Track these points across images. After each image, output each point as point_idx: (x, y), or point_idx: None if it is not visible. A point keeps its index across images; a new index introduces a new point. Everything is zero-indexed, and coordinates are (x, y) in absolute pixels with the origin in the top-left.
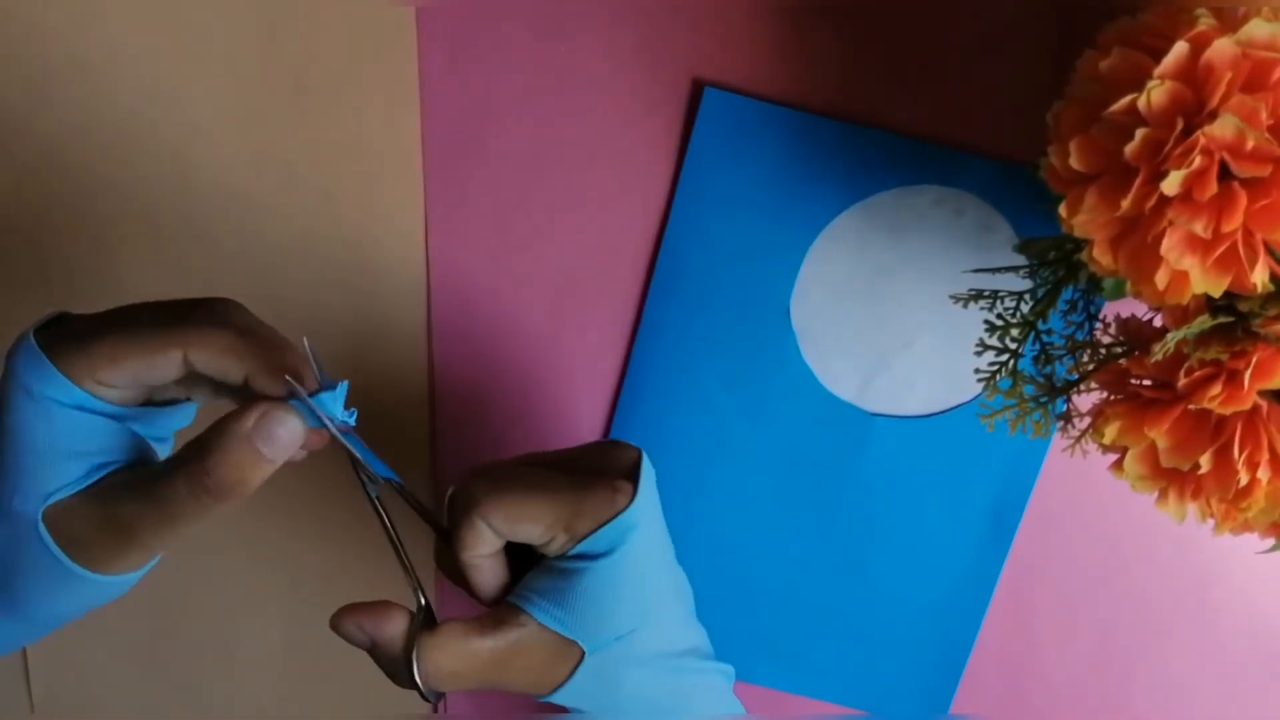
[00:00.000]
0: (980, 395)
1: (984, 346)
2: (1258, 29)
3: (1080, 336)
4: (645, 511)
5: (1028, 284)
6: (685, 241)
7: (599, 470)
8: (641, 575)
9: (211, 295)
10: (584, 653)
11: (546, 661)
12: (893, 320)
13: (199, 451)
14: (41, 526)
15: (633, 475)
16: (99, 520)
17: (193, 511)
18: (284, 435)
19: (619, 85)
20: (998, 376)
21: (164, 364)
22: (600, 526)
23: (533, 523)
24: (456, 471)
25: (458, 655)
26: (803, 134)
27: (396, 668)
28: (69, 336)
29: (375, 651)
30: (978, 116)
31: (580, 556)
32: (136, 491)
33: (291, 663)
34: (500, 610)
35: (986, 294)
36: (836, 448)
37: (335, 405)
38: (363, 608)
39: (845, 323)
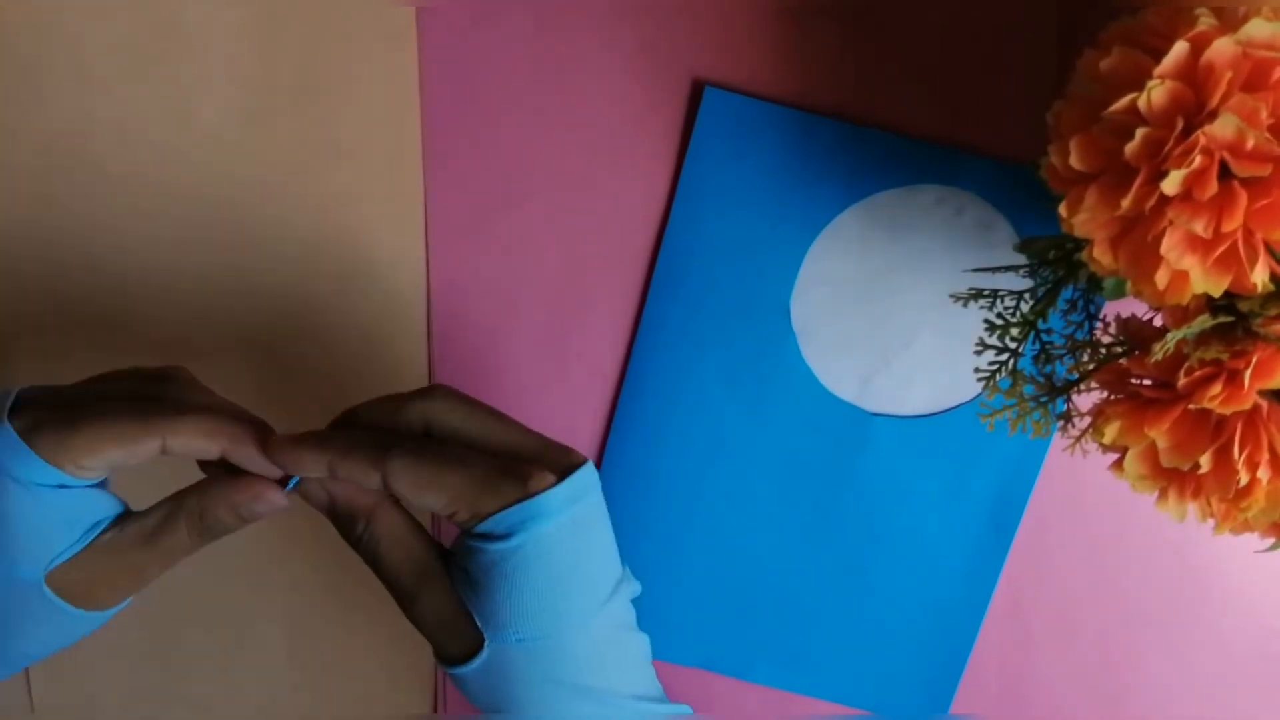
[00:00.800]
0: (980, 395)
1: (984, 346)
2: (1258, 28)
3: (1080, 336)
4: (564, 511)
5: (1028, 283)
6: (685, 241)
7: (537, 456)
8: (552, 576)
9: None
10: (485, 640)
11: (454, 628)
12: (893, 320)
13: (196, 507)
14: (46, 590)
15: (566, 472)
16: (103, 573)
17: (188, 552)
18: (263, 510)
19: (619, 85)
20: (998, 376)
21: (143, 451)
22: (505, 507)
23: (436, 492)
24: None
25: (397, 533)
26: (803, 133)
27: (349, 515)
28: (47, 424)
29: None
30: (978, 116)
31: (486, 537)
32: (139, 543)
33: (292, 664)
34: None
35: (986, 293)
36: (836, 447)
37: None
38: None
39: (845, 322)
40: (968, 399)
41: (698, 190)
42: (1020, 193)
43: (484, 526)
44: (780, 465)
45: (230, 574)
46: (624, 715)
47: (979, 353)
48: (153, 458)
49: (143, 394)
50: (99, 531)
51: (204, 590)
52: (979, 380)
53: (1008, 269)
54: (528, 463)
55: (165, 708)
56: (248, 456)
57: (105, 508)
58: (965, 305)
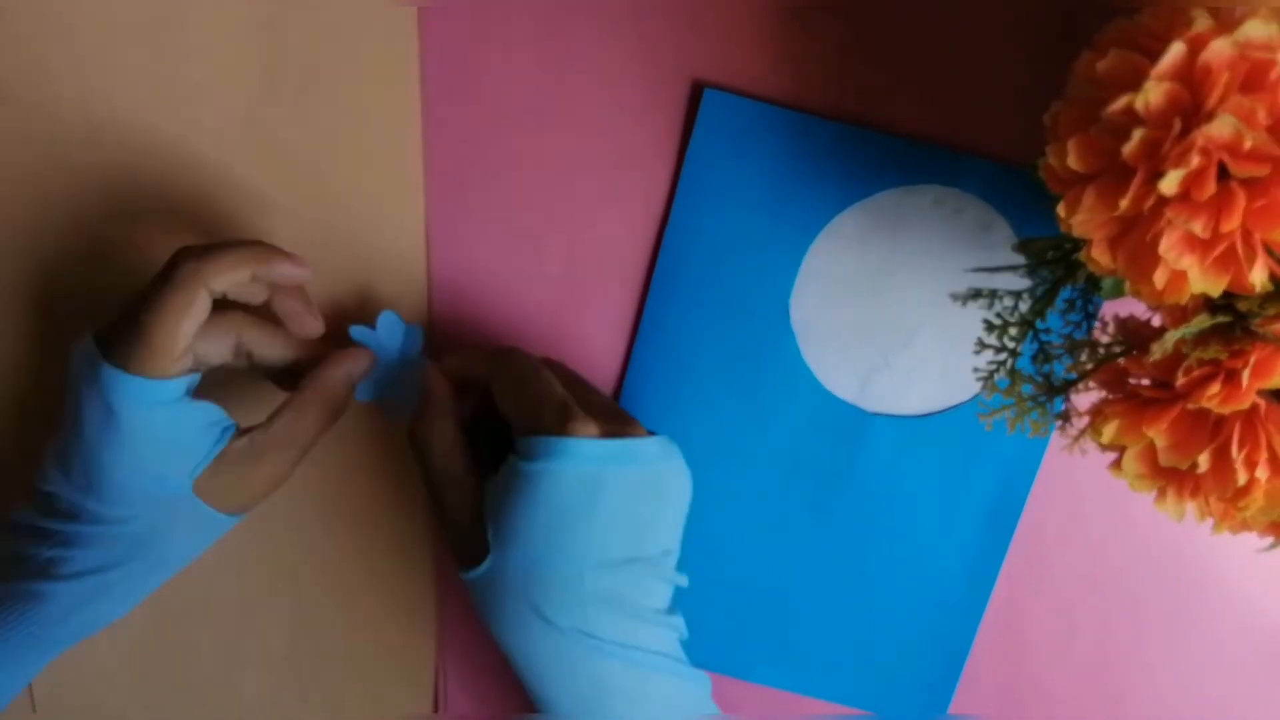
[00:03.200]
0: (979, 395)
1: (982, 345)
2: (1255, 29)
3: (1078, 335)
4: (588, 462)
5: (1026, 283)
6: (685, 241)
7: (605, 416)
8: (556, 512)
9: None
10: (488, 548)
11: (468, 524)
12: (892, 319)
13: (316, 388)
14: (196, 499)
15: (617, 433)
16: (242, 474)
17: (315, 434)
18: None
19: (619, 85)
20: (996, 375)
21: (200, 311)
22: (545, 433)
23: (512, 399)
24: None
25: (445, 440)
26: (802, 134)
27: (421, 406)
28: (131, 351)
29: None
30: (977, 116)
31: (522, 455)
32: (280, 441)
33: (292, 663)
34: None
35: (985, 293)
36: (836, 447)
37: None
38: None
39: (844, 322)
40: (967, 399)
41: (697, 191)
42: (1019, 193)
43: (522, 444)
44: (779, 465)
45: (232, 575)
46: (580, 646)
47: (978, 352)
48: (207, 313)
49: (175, 274)
50: (229, 437)
51: (205, 590)
52: (978, 380)
53: (1007, 269)
54: (586, 412)
55: (166, 707)
56: (278, 271)
57: (214, 419)
58: (964, 305)
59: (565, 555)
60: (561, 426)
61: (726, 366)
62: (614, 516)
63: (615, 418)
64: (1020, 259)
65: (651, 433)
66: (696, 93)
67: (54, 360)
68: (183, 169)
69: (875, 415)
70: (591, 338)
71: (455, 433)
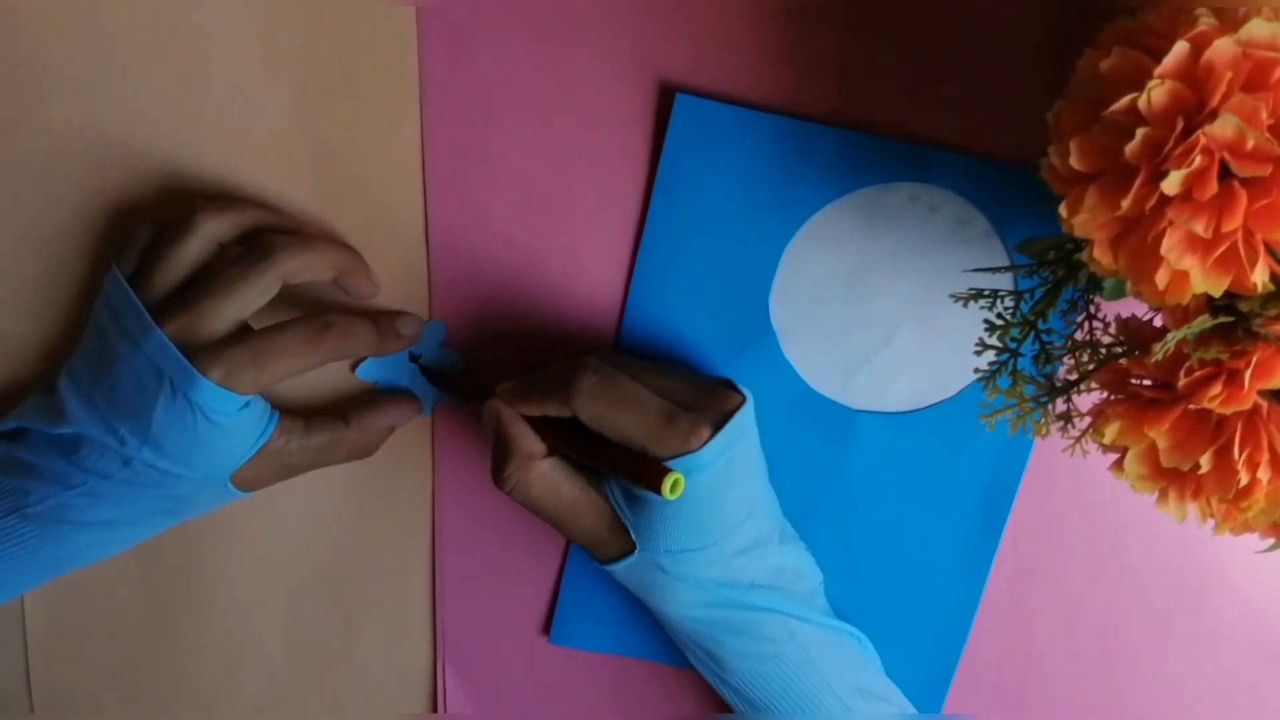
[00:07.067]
0: (964, 390)
1: (984, 346)
2: (1258, 28)
3: (1080, 336)
4: (718, 460)
5: (1016, 282)
6: (662, 246)
7: (695, 405)
8: (704, 507)
9: None
10: (634, 547)
11: (605, 535)
12: (871, 317)
13: (360, 431)
14: (229, 486)
15: (722, 421)
16: (270, 469)
17: (341, 462)
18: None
19: (610, 88)
20: (998, 375)
21: (269, 292)
22: (672, 458)
23: (613, 431)
24: (453, 486)
25: (545, 481)
26: (774, 136)
27: (500, 460)
28: (239, 367)
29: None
30: (949, 113)
31: None
32: (309, 457)
33: (291, 664)
34: (591, 476)
35: (986, 293)
36: (822, 444)
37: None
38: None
39: (824, 321)
40: (951, 394)
41: (673, 196)
42: (995, 188)
43: None
44: (766, 463)
45: (230, 574)
46: (730, 595)
47: (979, 353)
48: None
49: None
50: (266, 437)
51: (204, 591)
52: (979, 379)
53: (1007, 269)
54: (690, 414)
55: (165, 708)
56: (355, 285)
57: (265, 414)
58: (965, 305)
59: (710, 535)
60: (684, 444)
61: (709, 367)
62: (740, 481)
63: (702, 396)
64: (1024, 259)
65: (726, 381)
66: (667, 98)
67: (55, 358)
68: (181, 169)
69: (860, 412)
70: (576, 345)
71: (551, 467)
